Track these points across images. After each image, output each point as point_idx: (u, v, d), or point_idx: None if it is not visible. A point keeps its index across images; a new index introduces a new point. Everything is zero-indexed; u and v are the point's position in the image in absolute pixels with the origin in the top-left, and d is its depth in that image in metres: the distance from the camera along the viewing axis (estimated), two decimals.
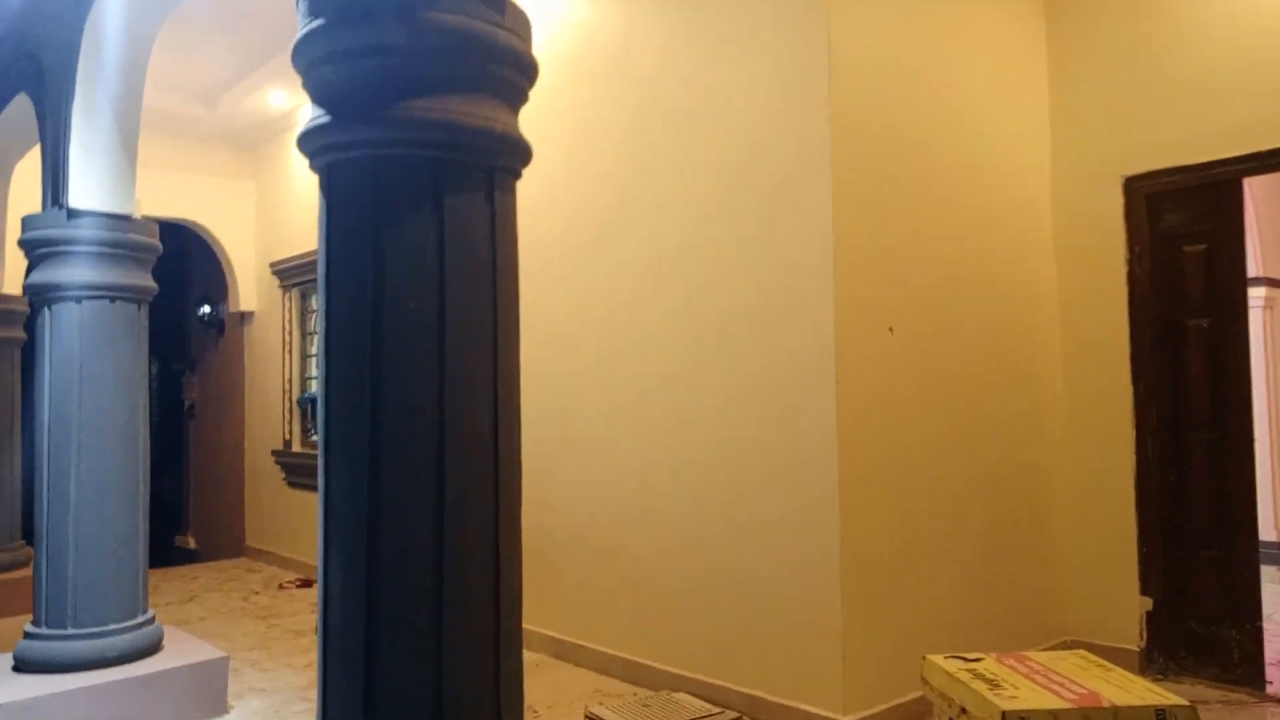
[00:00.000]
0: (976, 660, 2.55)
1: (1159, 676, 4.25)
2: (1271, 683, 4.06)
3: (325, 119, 1.80)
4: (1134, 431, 4.35)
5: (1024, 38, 4.55)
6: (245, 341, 8.17)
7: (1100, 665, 2.53)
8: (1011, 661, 2.56)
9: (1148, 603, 4.31)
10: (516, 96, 1.88)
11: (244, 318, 8.12)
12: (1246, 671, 4.07)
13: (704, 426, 3.91)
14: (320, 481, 1.79)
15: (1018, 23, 4.52)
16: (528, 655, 4.61)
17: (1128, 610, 4.35)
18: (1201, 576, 4.20)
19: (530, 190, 4.76)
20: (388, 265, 1.75)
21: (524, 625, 1.88)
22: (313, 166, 1.88)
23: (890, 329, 3.69)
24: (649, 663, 4.09)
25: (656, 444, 4.11)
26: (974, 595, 4.03)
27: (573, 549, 4.49)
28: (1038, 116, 4.61)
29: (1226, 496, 4.15)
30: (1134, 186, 4.37)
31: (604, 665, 4.30)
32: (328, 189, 1.84)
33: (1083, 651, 2.69)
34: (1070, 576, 4.51)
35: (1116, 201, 4.42)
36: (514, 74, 1.84)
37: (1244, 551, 4.11)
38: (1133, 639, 4.33)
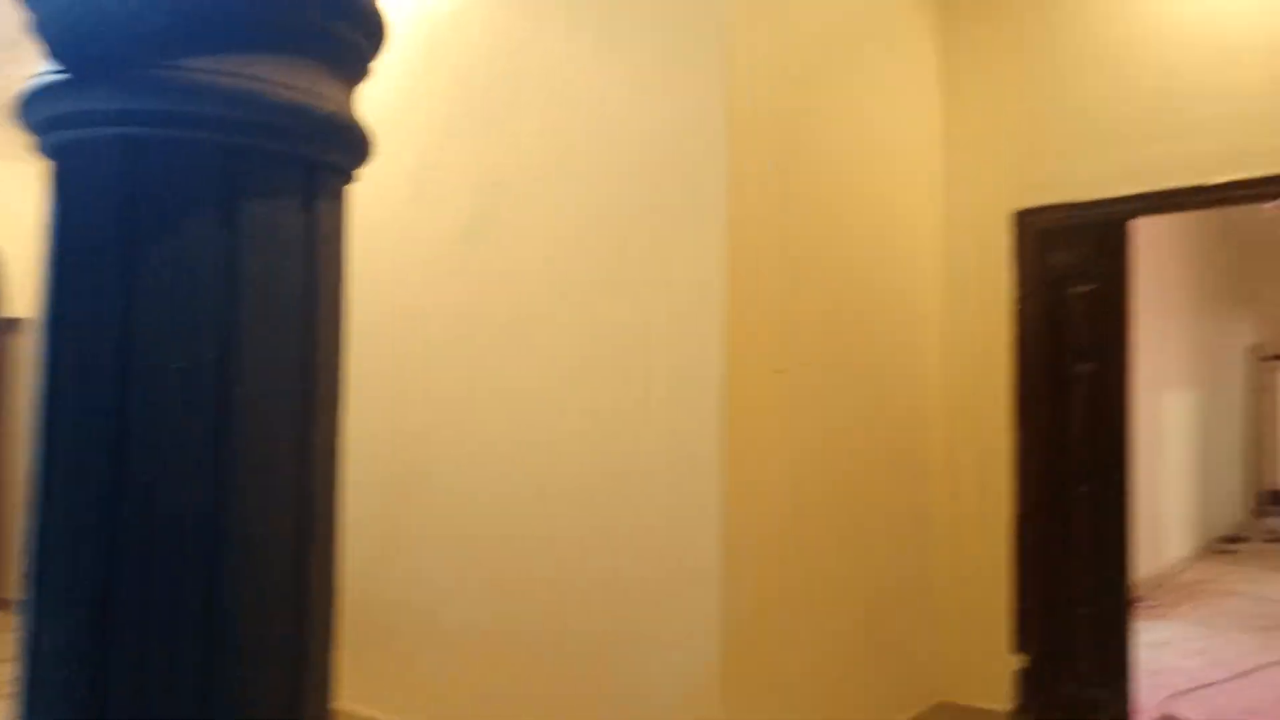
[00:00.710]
0: None
1: None
2: None
3: (59, 77, 1.19)
4: (1013, 482, 4.14)
5: (918, 66, 4.28)
6: (10, 353, 6.94)
7: None
8: None
9: (1021, 661, 4.10)
10: (355, 65, 1.31)
11: (11, 325, 6.87)
12: None
13: (576, 473, 3.39)
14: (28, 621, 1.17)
15: (912, 52, 4.24)
16: None
17: (1000, 670, 4.13)
18: (1077, 634, 4.03)
19: (375, 200, 4.13)
20: (142, 301, 1.15)
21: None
22: (38, 147, 1.25)
23: (780, 370, 3.29)
24: None
25: (518, 498, 3.55)
26: (854, 660, 3.69)
27: (420, 622, 3.87)
28: (931, 146, 4.35)
29: (1105, 551, 3.99)
30: (1025, 222, 4.17)
31: None
32: (59, 181, 1.22)
33: None
34: (947, 636, 4.27)
35: (1006, 237, 4.20)
36: (352, 31, 1.26)
37: (1118, 607, 3.96)
38: (1003, 699, 4.12)
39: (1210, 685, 4.87)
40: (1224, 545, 9.60)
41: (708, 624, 2.99)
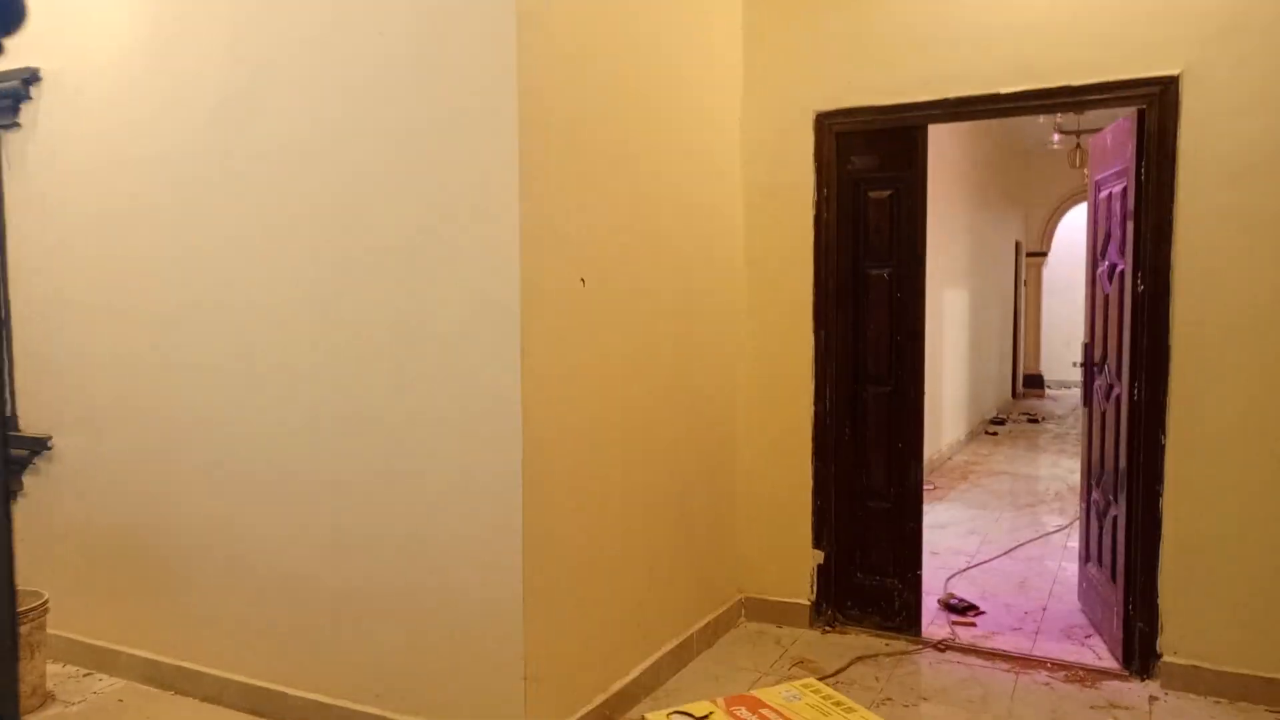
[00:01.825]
0: (704, 718, 2.10)
1: (827, 628, 4.22)
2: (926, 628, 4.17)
3: None
4: (813, 383, 4.19)
5: None
6: None
7: (839, 704, 2.19)
8: (742, 710, 2.15)
9: (819, 556, 4.24)
10: None
11: None
12: (905, 619, 4.14)
13: (359, 395, 3.09)
14: None
15: None
16: (110, 686, 3.58)
17: (801, 565, 4.26)
18: (871, 529, 4.19)
19: (97, 71, 3.51)
20: None
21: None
22: None
23: (582, 280, 3.09)
24: (280, 689, 3.28)
25: (300, 421, 3.22)
26: (662, 573, 3.66)
27: (193, 554, 3.49)
28: (733, 46, 4.18)
29: (898, 449, 4.13)
30: (825, 124, 4.11)
31: (216, 693, 3.41)
32: None
33: (814, 683, 2.35)
34: (752, 535, 4.34)
35: (807, 138, 4.13)
36: None
37: (911, 503, 4.14)
38: (804, 593, 4.26)
39: (983, 564, 5.26)
40: (990, 427, 10.46)
41: (510, 538, 2.83)
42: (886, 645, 4.06)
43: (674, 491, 3.73)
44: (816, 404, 4.19)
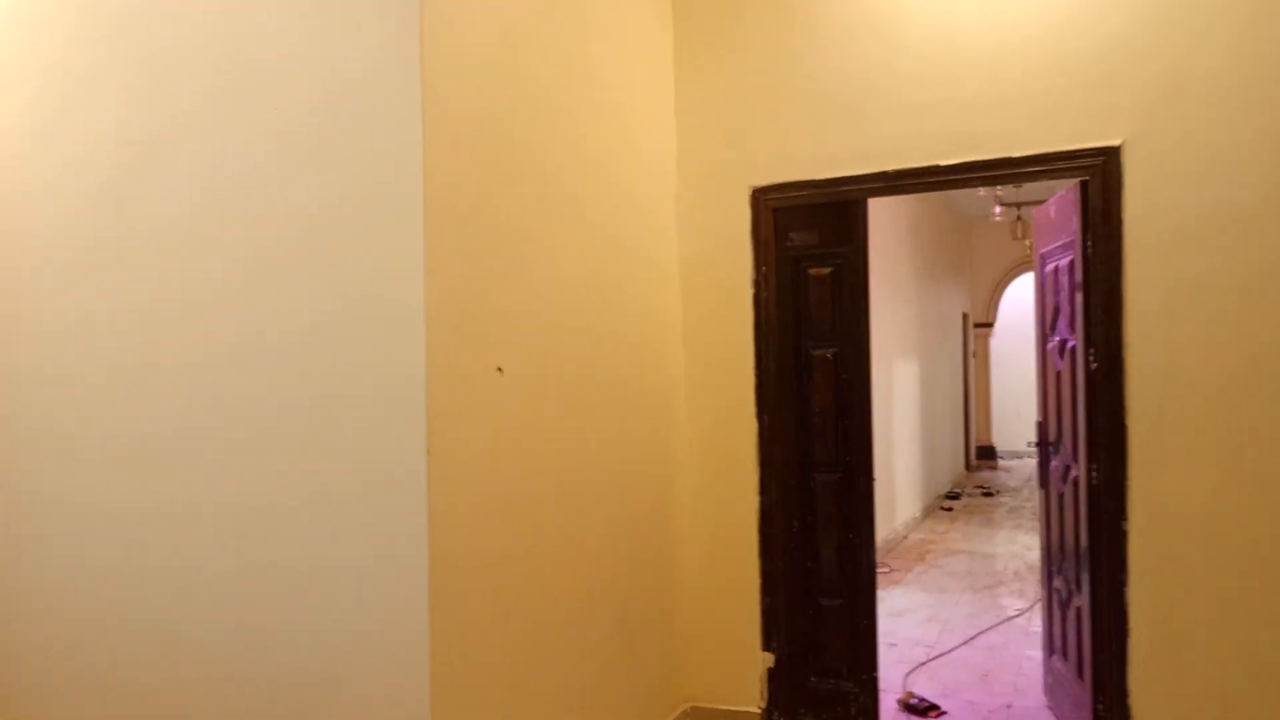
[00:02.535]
0: None
1: None
2: None
3: None
4: (758, 472, 3.94)
5: (650, 28, 3.92)
6: None
7: None
8: None
9: (770, 659, 3.93)
10: None
11: None
12: None
13: (247, 487, 2.77)
14: None
15: (644, 14, 3.87)
16: None
17: (750, 670, 3.94)
18: (825, 628, 3.91)
19: None
20: None
21: None
22: None
23: (499, 369, 2.83)
24: None
25: (178, 517, 2.88)
26: (599, 687, 3.32)
27: (35, 665, 3.09)
28: (663, 118, 4.02)
29: (850, 539, 3.88)
30: (762, 199, 3.94)
31: None
32: None
33: None
34: (698, 639, 4.02)
35: (744, 214, 3.96)
36: None
37: (865, 598, 3.87)
38: (754, 700, 3.94)
39: (943, 655, 4.98)
40: (945, 502, 10.27)
41: (415, 655, 2.50)
42: None
43: (612, 597, 3.42)
44: (762, 495, 3.93)
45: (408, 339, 2.54)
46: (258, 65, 2.75)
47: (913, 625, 5.57)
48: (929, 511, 9.63)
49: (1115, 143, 3.35)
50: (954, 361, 11.84)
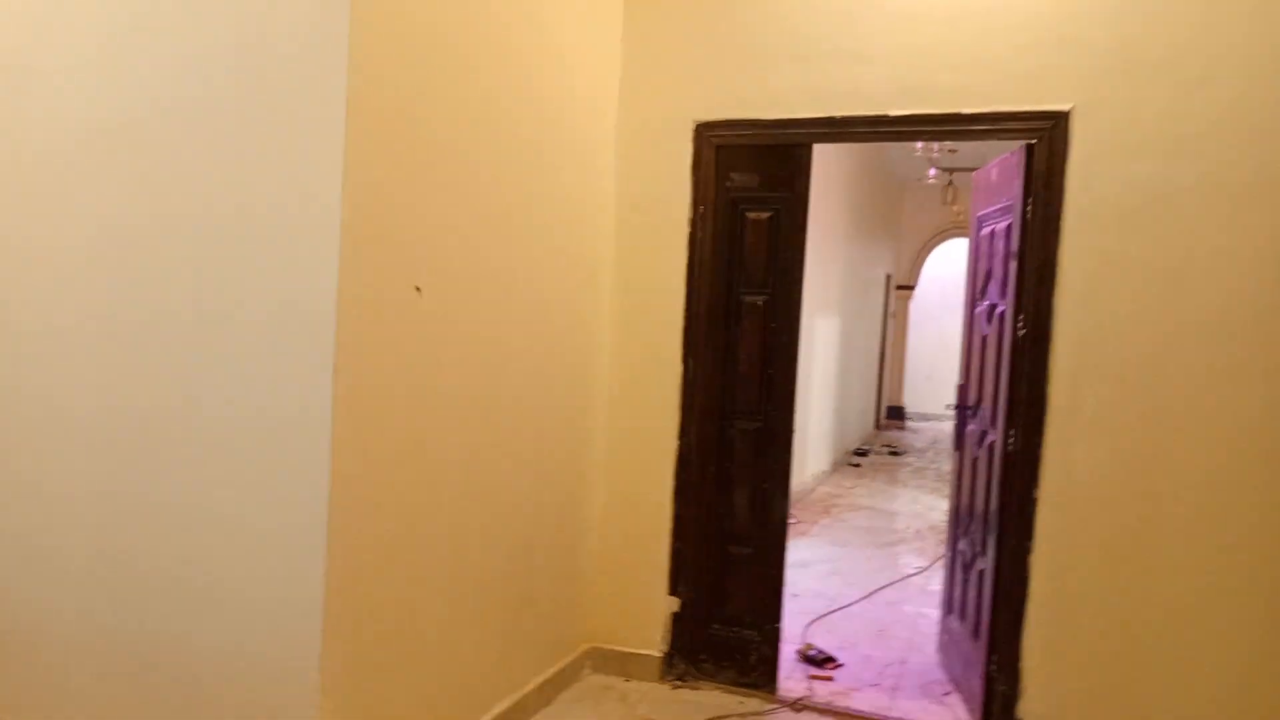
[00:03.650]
0: None
1: (678, 682, 3.88)
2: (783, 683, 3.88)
3: None
4: (679, 416, 3.86)
5: None
6: None
7: None
8: None
9: (675, 604, 3.89)
10: None
11: None
12: (762, 674, 3.84)
13: (141, 406, 2.56)
14: None
15: None
16: None
17: (655, 613, 3.90)
18: (732, 576, 3.88)
19: None
20: None
21: None
22: None
23: (417, 288, 2.66)
24: None
25: (72, 428, 2.66)
26: (498, 626, 3.23)
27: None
28: (609, 43, 3.82)
29: (764, 490, 3.84)
30: (705, 135, 3.79)
31: None
32: None
33: None
34: (605, 581, 3.95)
35: (685, 150, 3.81)
36: None
37: (774, 549, 3.85)
38: (656, 644, 3.91)
39: (843, 609, 5.04)
40: (853, 458, 10.45)
41: (309, 589, 2.37)
42: (740, 704, 3.75)
43: (516, 535, 3.31)
44: (681, 439, 3.86)
45: (320, 249, 2.35)
46: None
47: (815, 578, 5.62)
48: (837, 466, 9.77)
49: (1065, 108, 3.29)
50: (873, 321, 11.96)
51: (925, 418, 14.36)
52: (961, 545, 4.04)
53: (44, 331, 2.66)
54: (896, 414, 13.83)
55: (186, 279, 2.48)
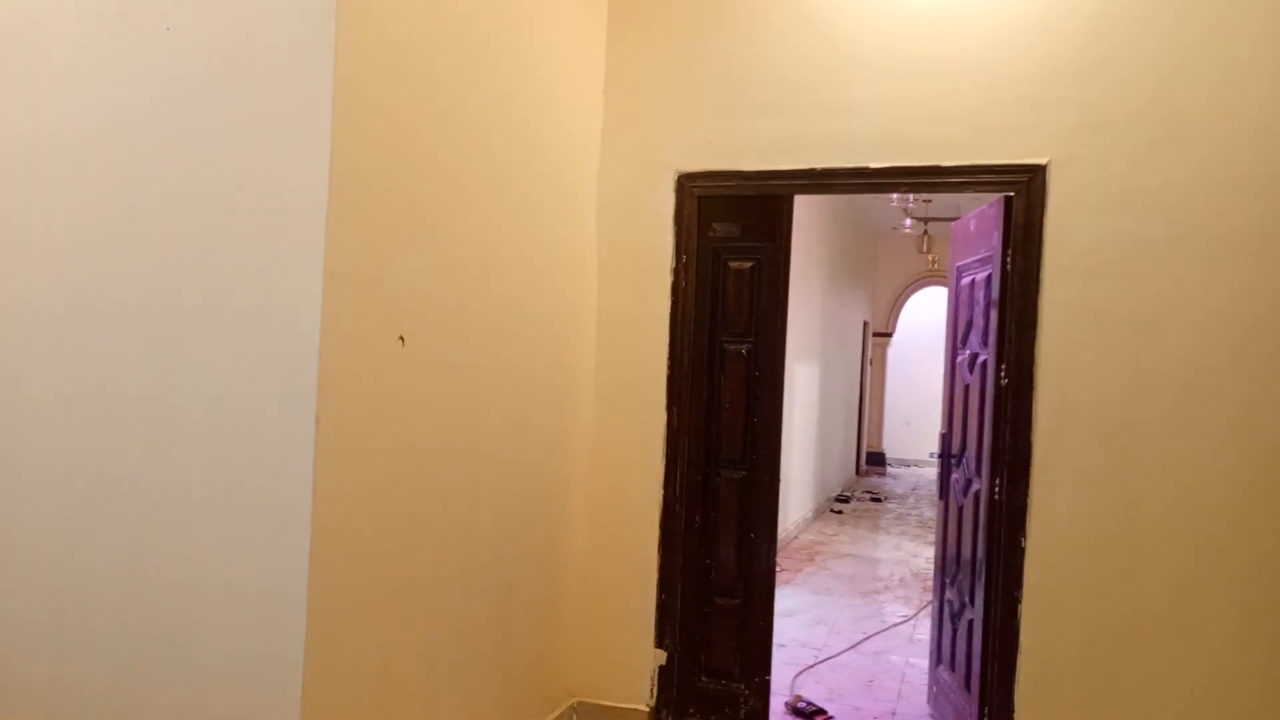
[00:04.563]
0: None
1: None
2: None
3: None
4: (664, 466, 3.84)
5: (584, 2, 3.76)
6: None
7: None
8: None
9: (661, 657, 3.83)
10: None
11: None
12: None
13: (106, 459, 2.50)
14: None
15: None
16: None
17: (640, 667, 3.84)
18: (719, 627, 3.83)
19: None
20: None
21: None
22: None
23: (401, 338, 2.64)
24: None
25: (28, 485, 2.59)
26: (478, 681, 3.16)
27: None
28: (591, 93, 3.86)
29: (750, 540, 3.81)
30: (687, 186, 3.82)
31: None
32: None
33: None
34: (588, 634, 3.89)
35: (668, 200, 3.84)
36: None
37: (762, 600, 3.81)
38: (643, 698, 3.84)
39: (830, 659, 4.99)
40: (835, 505, 10.42)
41: (289, 649, 2.30)
42: None
43: (496, 584, 3.25)
44: (665, 488, 3.83)
45: (303, 296, 2.32)
46: None
47: (800, 627, 5.57)
48: (820, 513, 9.74)
49: (1042, 161, 3.35)
50: (852, 368, 12.03)
51: (905, 464, 14.39)
52: (949, 594, 4.02)
53: (7, 362, 2.60)
54: (877, 460, 13.85)
55: (160, 337, 2.45)
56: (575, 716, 3.87)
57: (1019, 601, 3.36)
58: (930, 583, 6.45)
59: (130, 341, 2.47)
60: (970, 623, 3.67)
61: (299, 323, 2.32)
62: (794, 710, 4.12)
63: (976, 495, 3.68)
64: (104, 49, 2.51)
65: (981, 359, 3.71)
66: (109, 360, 2.49)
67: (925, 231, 10.78)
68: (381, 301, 2.54)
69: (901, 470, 14.07)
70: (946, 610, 4.05)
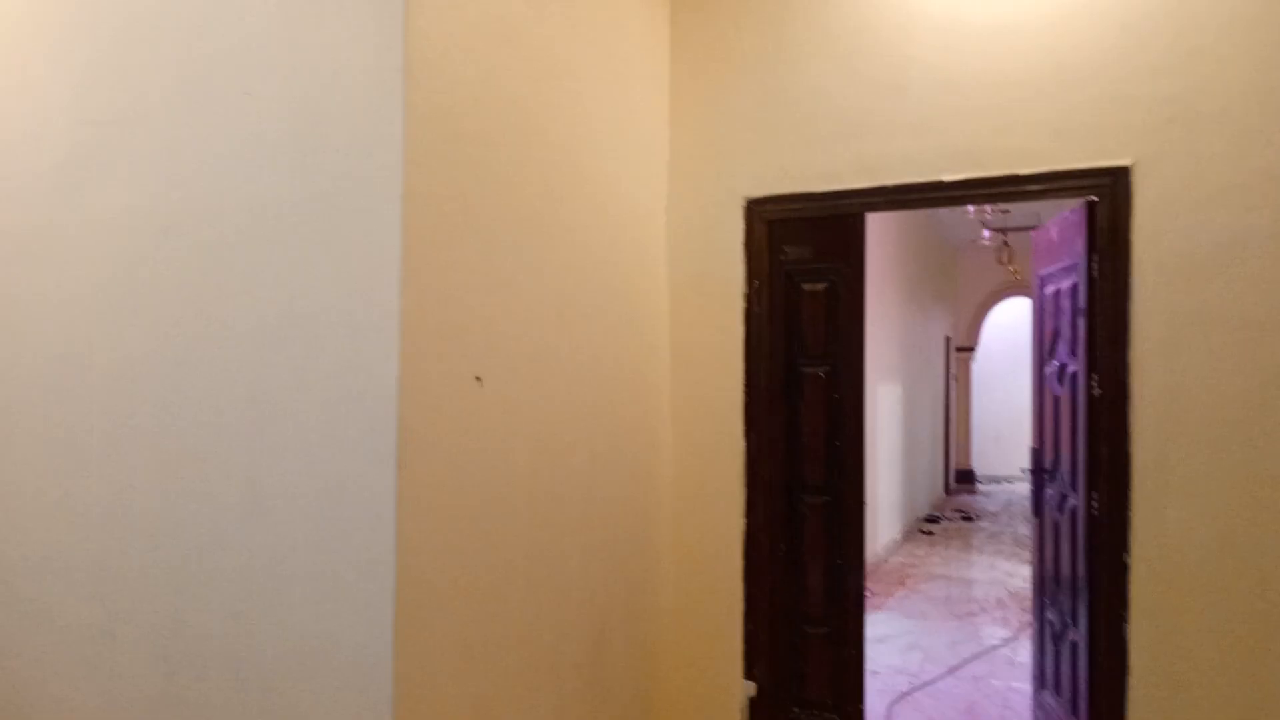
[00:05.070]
0: None
1: None
2: None
3: None
4: (744, 493, 3.79)
5: (645, 33, 3.78)
6: None
7: None
8: None
9: (751, 688, 3.77)
10: None
11: None
12: None
13: (196, 517, 2.58)
14: None
15: (640, 18, 3.73)
16: None
17: (730, 699, 3.78)
18: (810, 657, 3.75)
19: None
20: None
21: None
22: None
23: (478, 378, 2.67)
24: None
25: (107, 523, 2.69)
26: (569, 703, 3.15)
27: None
28: (657, 125, 3.88)
29: (837, 566, 3.73)
30: (756, 211, 3.80)
31: None
32: None
33: None
34: (678, 666, 3.85)
35: (736, 226, 3.82)
36: None
37: (852, 627, 3.72)
38: None
39: (926, 685, 4.84)
40: (924, 525, 10.16)
41: (378, 691, 2.32)
42: None
43: (587, 624, 3.25)
44: (748, 516, 3.78)
45: (380, 342, 2.37)
46: (232, 46, 2.58)
47: (894, 653, 5.42)
48: (909, 535, 9.51)
49: (1125, 163, 3.24)
50: (936, 385, 11.76)
51: (996, 480, 13.98)
52: (1049, 615, 3.87)
53: (106, 439, 2.71)
54: (966, 478, 13.48)
55: (244, 377, 2.52)
56: None
57: (1125, 621, 3.21)
58: (1028, 603, 6.23)
59: (223, 392, 2.55)
60: (1074, 644, 3.52)
61: (378, 367, 2.36)
62: None
63: (1073, 511, 3.55)
64: (192, 119, 2.62)
65: (1071, 370, 3.58)
66: (204, 413, 2.58)
67: (1005, 242, 10.52)
68: (457, 345, 2.57)
69: (993, 487, 13.66)
70: (1048, 631, 3.89)
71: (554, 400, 3.04)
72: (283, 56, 2.51)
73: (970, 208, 8.88)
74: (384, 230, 2.37)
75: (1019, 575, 7.59)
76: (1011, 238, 10.46)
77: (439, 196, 2.49)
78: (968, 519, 10.89)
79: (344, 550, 2.38)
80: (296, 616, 2.44)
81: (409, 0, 2.37)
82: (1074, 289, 3.52)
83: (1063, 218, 3.69)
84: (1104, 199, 3.28)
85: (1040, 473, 3.99)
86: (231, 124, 2.57)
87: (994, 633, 5.92)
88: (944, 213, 10.15)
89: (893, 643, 5.65)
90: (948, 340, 12.66)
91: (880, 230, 7.85)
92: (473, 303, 2.64)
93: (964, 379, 13.50)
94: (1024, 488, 12.33)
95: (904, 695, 4.67)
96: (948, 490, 12.76)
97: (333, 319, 2.42)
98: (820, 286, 3.77)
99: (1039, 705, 4.05)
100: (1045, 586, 3.94)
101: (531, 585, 2.90)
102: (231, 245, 2.55)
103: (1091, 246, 3.34)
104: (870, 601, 6.59)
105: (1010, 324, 13.58)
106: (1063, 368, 3.69)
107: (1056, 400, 3.78)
